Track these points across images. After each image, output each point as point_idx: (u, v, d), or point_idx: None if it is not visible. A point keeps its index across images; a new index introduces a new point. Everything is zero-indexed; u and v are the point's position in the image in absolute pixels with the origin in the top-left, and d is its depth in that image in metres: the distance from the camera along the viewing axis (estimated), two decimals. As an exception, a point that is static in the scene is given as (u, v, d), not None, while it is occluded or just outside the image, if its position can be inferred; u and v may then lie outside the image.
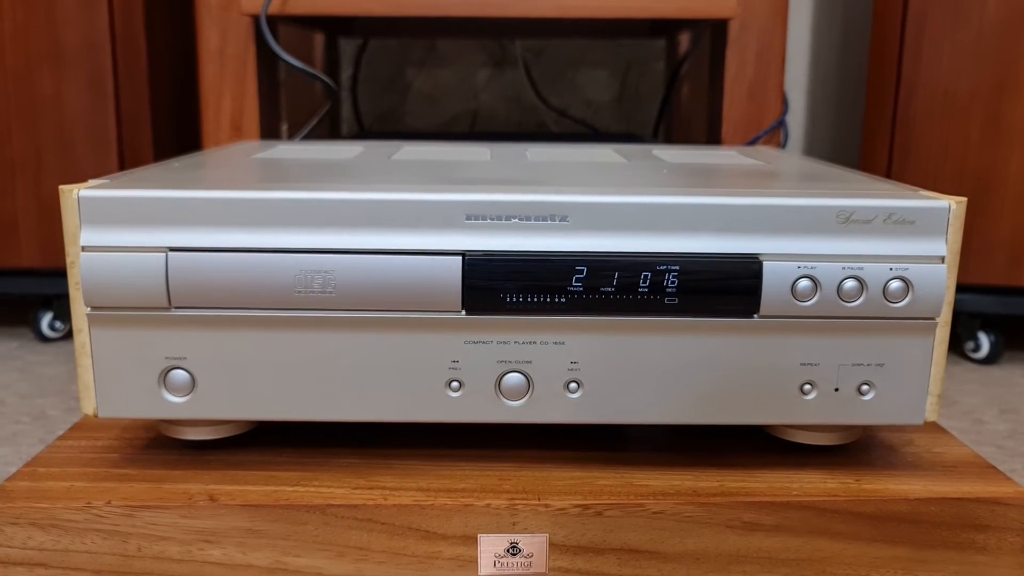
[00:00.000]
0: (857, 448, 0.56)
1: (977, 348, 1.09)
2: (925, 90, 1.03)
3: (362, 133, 1.46)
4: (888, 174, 1.05)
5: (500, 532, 0.49)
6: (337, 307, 0.48)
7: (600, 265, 0.48)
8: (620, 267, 0.48)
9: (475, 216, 0.48)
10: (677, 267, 0.48)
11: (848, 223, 0.49)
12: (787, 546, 0.49)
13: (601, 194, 0.48)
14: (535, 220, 0.48)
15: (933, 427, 0.59)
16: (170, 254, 0.48)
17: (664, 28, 1.24)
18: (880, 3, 1.05)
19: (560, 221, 0.48)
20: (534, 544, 0.49)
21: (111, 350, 0.49)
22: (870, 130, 1.09)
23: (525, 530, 0.49)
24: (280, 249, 0.48)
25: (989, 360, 1.08)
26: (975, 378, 1.04)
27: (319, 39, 1.38)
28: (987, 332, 1.08)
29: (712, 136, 1.06)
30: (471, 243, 0.48)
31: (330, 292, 0.48)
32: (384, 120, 1.55)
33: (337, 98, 1.47)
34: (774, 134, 1.02)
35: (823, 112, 1.49)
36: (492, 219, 0.48)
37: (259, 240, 0.48)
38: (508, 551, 0.49)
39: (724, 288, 0.48)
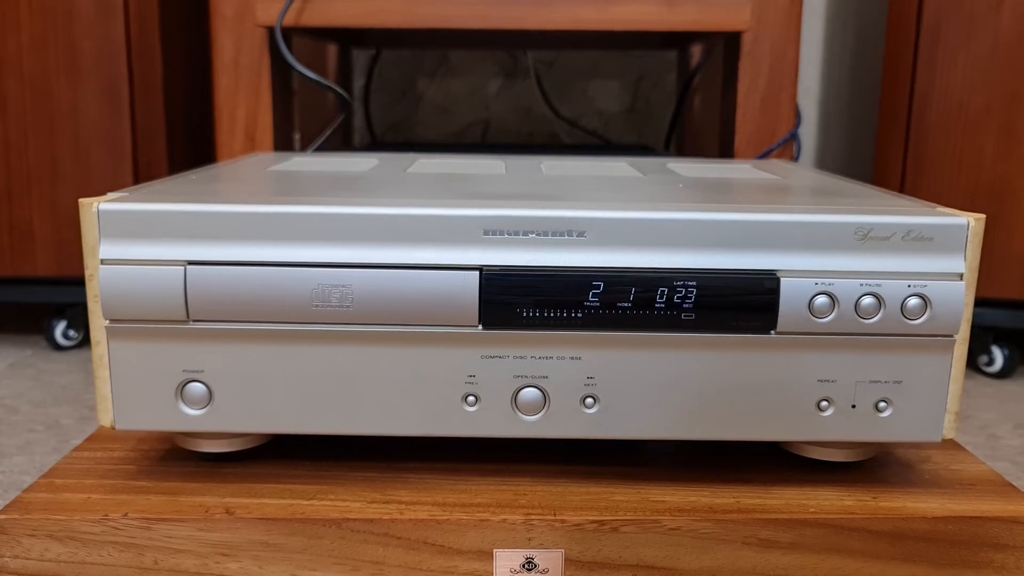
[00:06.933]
0: (874, 465, 0.55)
1: (991, 362, 1.08)
2: (939, 102, 1.03)
3: (374, 143, 1.47)
4: (902, 186, 1.05)
5: (516, 547, 0.49)
6: (354, 321, 0.48)
7: (617, 281, 0.48)
8: (637, 283, 0.48)
9: (493, 231, 0.48)
10: (694, 283, 0.48)
11: (866, 240, 0.48)
12: (804, 564, 0.49)
13: (618, 210, 0.48)
14: (552, 235, 0.48)
15: (950, 444, 0.59)
16: (189, 267, 0.48)
17: (676, 40, 1.24)
18: (894, 14, 1.05)
19: (577, 236, 0.48)
20: (550, 559, 0.49)
21: (129, 362, 0.49)
22: (884, 142, 1.09)
23: (541, 545, 0.49)
24: (298, 263, 0.48)
25: (1003, 374, 1.08)
26: (989, 392, 1.03)
27: (332, 49, 1.39)
28: (1001, 346, 1.08)
29: (724, 148, 1.06)
30: (488, 258, 0.48)
31: (348, 306, 0.48)
32: (396, 130, 1.55)
33: (349, 108, 1.47)
34: (787, 146, 1.02)
35: (836, 123, 1.49)
36: (509, 234, 0.48)
37: (277, 254, 0.48)
38: (524, 566, 0.49)
39: (741, 304, 0.48)
